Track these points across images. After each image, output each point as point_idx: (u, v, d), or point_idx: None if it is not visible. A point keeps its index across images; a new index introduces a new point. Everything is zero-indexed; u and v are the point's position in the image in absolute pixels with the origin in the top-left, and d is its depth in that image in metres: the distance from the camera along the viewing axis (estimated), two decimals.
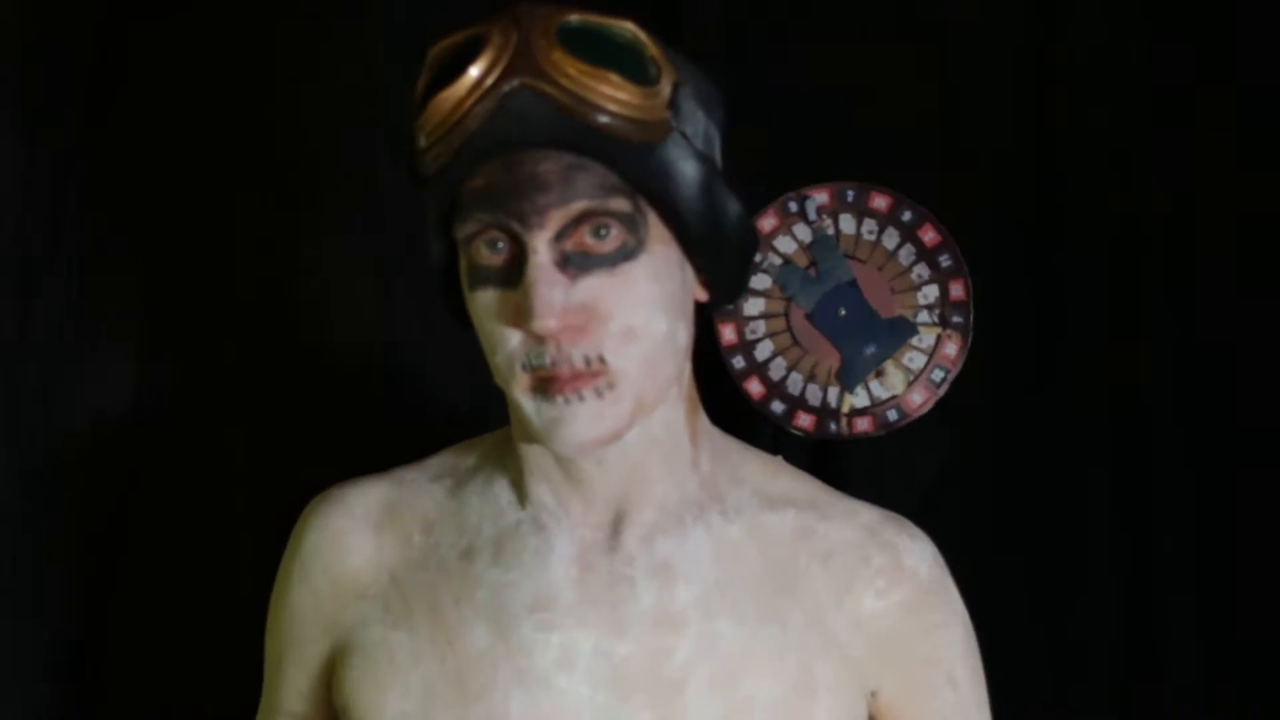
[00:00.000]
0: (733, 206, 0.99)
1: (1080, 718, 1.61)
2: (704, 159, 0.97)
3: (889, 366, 1.62)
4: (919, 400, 1.61)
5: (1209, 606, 1.60)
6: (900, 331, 1.61)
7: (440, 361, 1.57)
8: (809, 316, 1.62)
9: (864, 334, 1.62)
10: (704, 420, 1.07)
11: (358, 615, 1.05)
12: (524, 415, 0.96)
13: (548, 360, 0.92)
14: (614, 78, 0.91)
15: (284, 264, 1.58)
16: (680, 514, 1.02)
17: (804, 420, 1.62)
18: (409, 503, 1.07)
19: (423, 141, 0.94)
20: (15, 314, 1.53)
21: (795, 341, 1.62)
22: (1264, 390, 1.59)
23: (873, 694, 1.05)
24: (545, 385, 0.93)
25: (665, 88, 0.94)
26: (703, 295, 1.01)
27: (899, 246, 1.62)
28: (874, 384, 1.62)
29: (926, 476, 1.63)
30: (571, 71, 0.90)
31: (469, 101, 0.91)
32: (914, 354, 1.61)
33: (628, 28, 0.94)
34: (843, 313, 1.62)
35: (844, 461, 1.63)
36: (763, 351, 1.63)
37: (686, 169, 0.96)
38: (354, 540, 1.07)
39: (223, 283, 1.57)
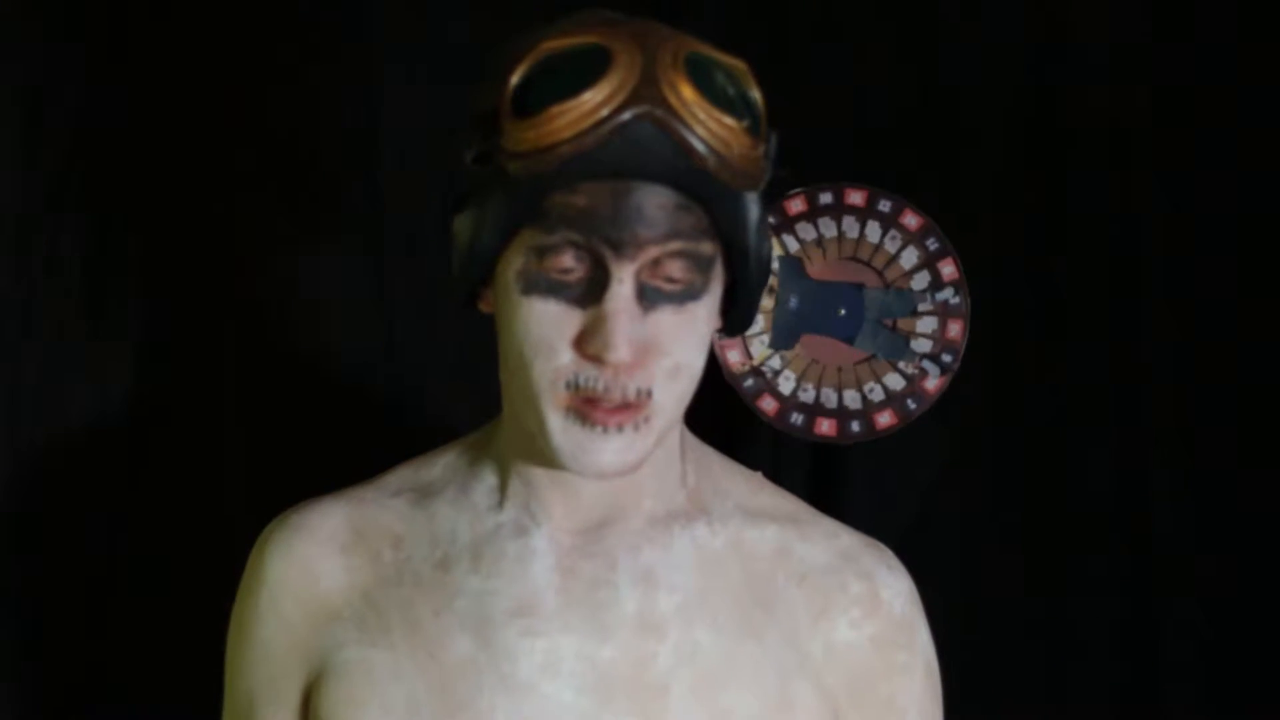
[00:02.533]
0: (766, 247, 1.00)
1: (1079, 716, 1.61)
2: (763, 200, 0.97)
3: (868, 379, 1.61)
4: (886, 421, 1.61)
5: (1209, 606, 1.60)
6: (890, 349, 1.61)
7: (440, 363, 1.57)
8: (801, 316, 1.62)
9: (855, 340, 1.62)
10: (688, 433, 1.06)
11: (332, 639, 1.03)
12: (545, 431, 0.94)
13: (601, 386, 0.91)
14: (731, 122, 0.90)
15: (284, 265, 1.57)
16: (668, 523, 1.02)
17: (825, 426, 1.61)
18: (373, 520, 1.05)
19: (517, 142, 0.90)
20: (15, 314, 1.52)
21: (800, 352, 1.62)
22: (1264, 389, 1.59)
23: None
24: (586, 410, 0.92)
25: (764, 142, 0.94)
26: (717, 324, 1.01)
27: (883, 236, 1.62)
28: (848, 392, 1.61)
29: (926, 476, 1.63)
30: (698, 110, 0.89)
31: (588, 121, 0.88)
32: (894, 375, 1.61)
33: (744, 68, 0.93)
34: (842, 313, 1.62)
35: (845, 462, 1.63)
36: (770, 367, 1.62)
37: (755, 214, 0.96)
38: (323, 565, 1.04)
39: (222, 283, 1.57)
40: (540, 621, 0.98)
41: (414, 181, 1.58)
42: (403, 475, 1.09)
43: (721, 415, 1.60)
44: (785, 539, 1.04)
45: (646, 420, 0.93)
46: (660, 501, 1.02)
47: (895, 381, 1.61)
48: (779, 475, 1.58)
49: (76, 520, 1.54)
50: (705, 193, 0.91)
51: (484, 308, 1.01)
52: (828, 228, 1.62)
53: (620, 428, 0.92)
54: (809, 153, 1.61)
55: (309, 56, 1.57)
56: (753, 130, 0.92)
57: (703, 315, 0.95)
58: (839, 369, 1.62)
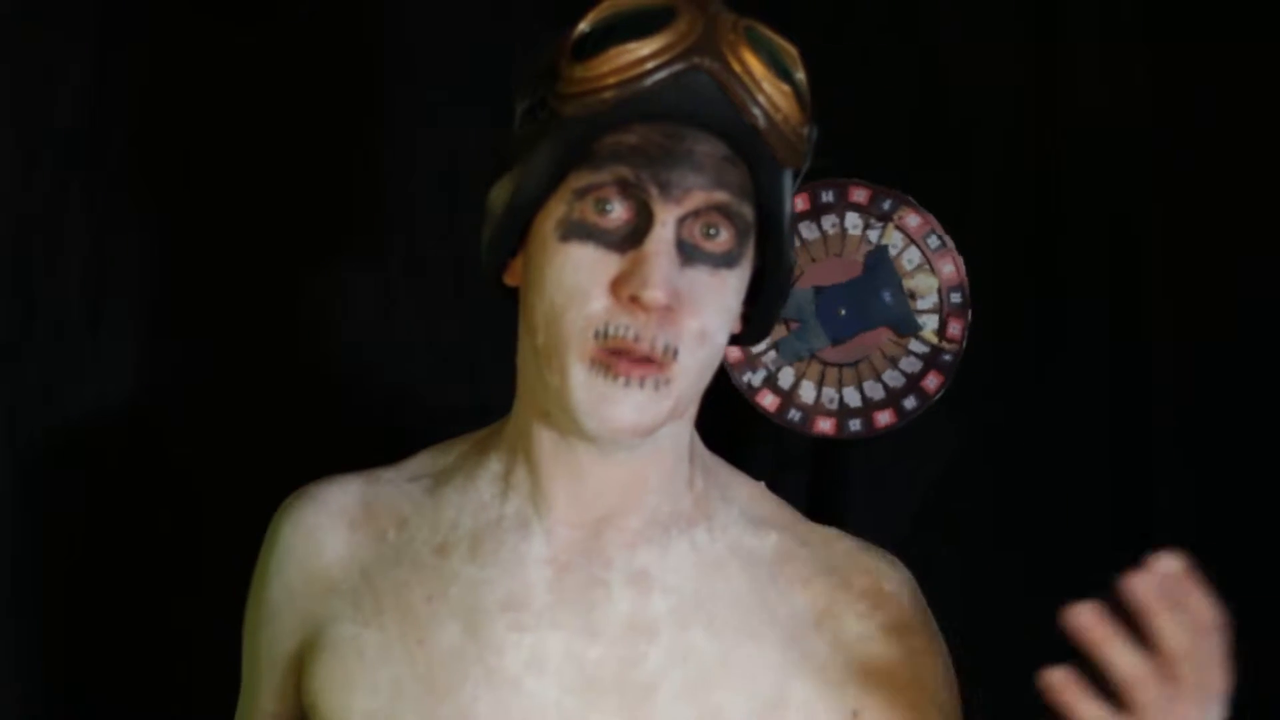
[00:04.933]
0: (792, 258, 1.02)
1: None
2: (791, 201, 1.00)
3: (885, 368, 1.62)
4: (934, 384, 1.60)
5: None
6: (903, 320, 1.61)
7: (442, 362, 1.57)
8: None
9: (866, 329, 1.62)
10: (698, 440, 1.07)
11: (328, 611, 1.04)
12: (565, 385, 0.94)
13: (631, 335, 0.92)
14: (786, 89, 0.94)
15: (284, 264, 1.58)
16: (668, 526, 1.02)
17: (824, 425, 1.61)
18: (385, 500, 1.07)
19: (574, 84, 0.93)
20: (15, 314, 1.53)
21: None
22: (1264, 389, 1.59)
23: (854, 714, 1.03)
24: (610, 361, 0.92)
25: (809, 122, 0.97)
26: (737, 328, 1.02)
27: (882, 236, 1.62)
28: (887, 375, 1.61)
29: (926, 477, 1.63)
30: (755, 70, 0.92)
31: (651, 63, 0.91)
32: (918, 341, 1.61)
33: (795, 53, 0.97)
34: (843, 312, 1.62)
35: (845, 462, 1.63)
36: (770, 363, 1.62)
37: (788, 204, 0.98)
38: (328, 536, 1.06)
39: (223, 283, 1.57)
40: (530, 616, 0.98)
41: (414, 181, 1.58)
42: (422, 461, 1.10)
43: (723, 416, 1.60)
44: (786, 544, 1.04)
45: (668, 382, 0.93)
46: (665, 501, 1.02)
47: (895, 380, 1.61)
48: (780, 475, 1.59)
49: (76, 520, 1.54)
50: (754, 152, 0.94)
51: (509, 280, 1.02)
52: (831, 224, 1.62)
53: (642, 383, 0.92)
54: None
55: (309, 56, 1.57)
56: (804, 106, 0.96)
57: (733, 287, 0.96)
58: (838, 367, 1.62)
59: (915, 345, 1.61)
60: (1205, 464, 1.61)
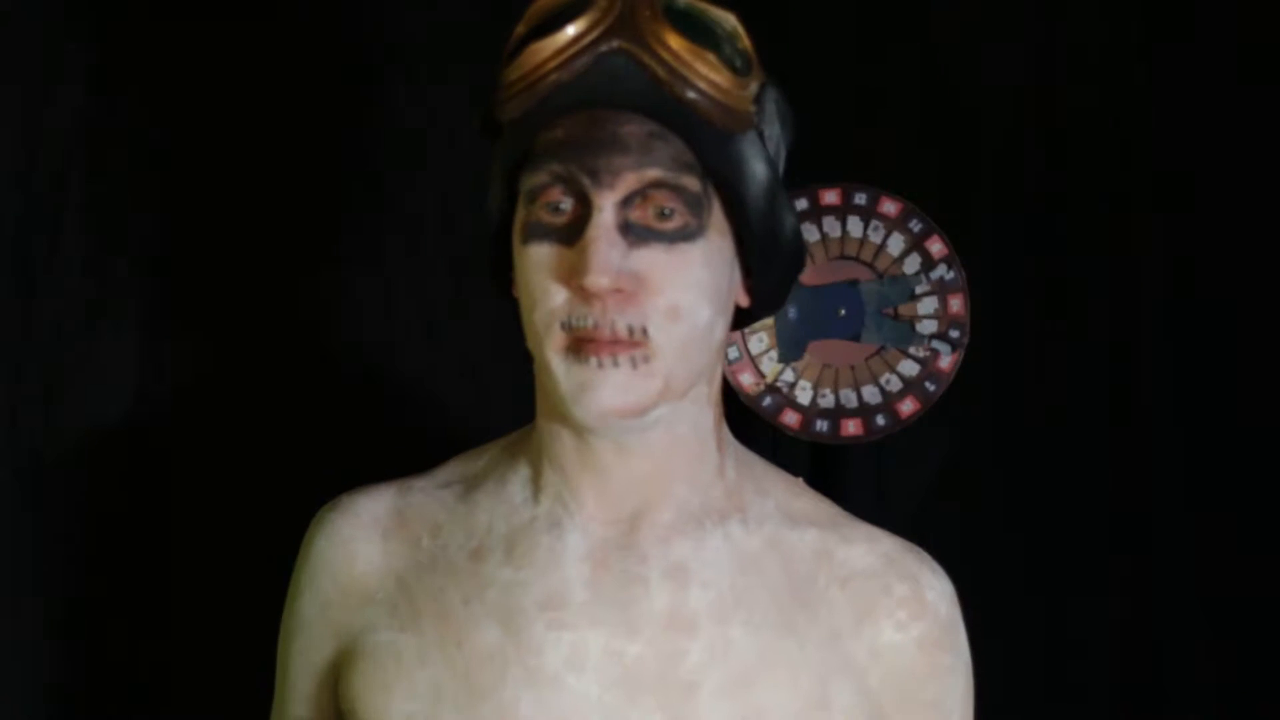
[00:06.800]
0: (790, 219, 1.01)
1: (1078, 714, 1.61)
2: (772, 165, 0.99)
3: (883, 371, 1.61)
4: (909, 408, 1.61)
5: (1208, 604, 1.60)
6: (897, 337, 1.61)
7: (443, 365, 1.57)
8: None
9: (861, 336, 1.62)
10: (727, 430, 1.07)
11: (364, 620, 1.05)
12: (553, 379, 0.95)
13: (590, 322, 0.93)
14: (711, 58, 0.94)
15: (286, 265, 1.58)
16: (700, 518, 1.02)
17: (790, 418, 1.62)
18: (417, 508, 1.07)
19: (507, 88, 0.95)
20: (15, 314, 1.52)
21: (810, 359, 1.62)
22: (1264, 389, 1.59)
23: None
24: (580, 346, 0.93)
25: (754, 83, 0.97)
26: (744, 300, 1.02)
27: (904, 254, 1.62)
28: (866, 388, 1.61)
29: (925, 478, 1.63)
30: (673, 45, 0.93)
31: (566, 54, 0.92)
32: (908, 361, 1.61)
33: (730, 18, 0.97)
34: (842, 313, 1.62)
35: (844, 462, 1.63)
36: (756, 345, 1.62)
37: (757, 167, 0.98)
38: (361, 547, 1.07)
39: (224, 284, 1.57)
40: (569, 614, 0.99)
41: (414, 181, 1.58)
42: (453, 468, 1.11)
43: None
44: (826, 542, 1.04)
45: (646, 360, 0.94)
46: (694, 491, 1.02)
47: (909, 368, 1.61)
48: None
49: (77, 521, 1.53)
50: (684, 124, 0.93)
51: (515, 293, 1.03)
52: (810, 232, 1.62)
53: (616, 361, 0.93)
54: (810, 152, 1.61)
55: (310, 56, 1.57)
56: (735, 70, 0.95)
57: (699, 259, 0.95)
58: (852, 368, 1.62)
59: (903, 367, 1.61)
60: (1205, 464, 1.61)
